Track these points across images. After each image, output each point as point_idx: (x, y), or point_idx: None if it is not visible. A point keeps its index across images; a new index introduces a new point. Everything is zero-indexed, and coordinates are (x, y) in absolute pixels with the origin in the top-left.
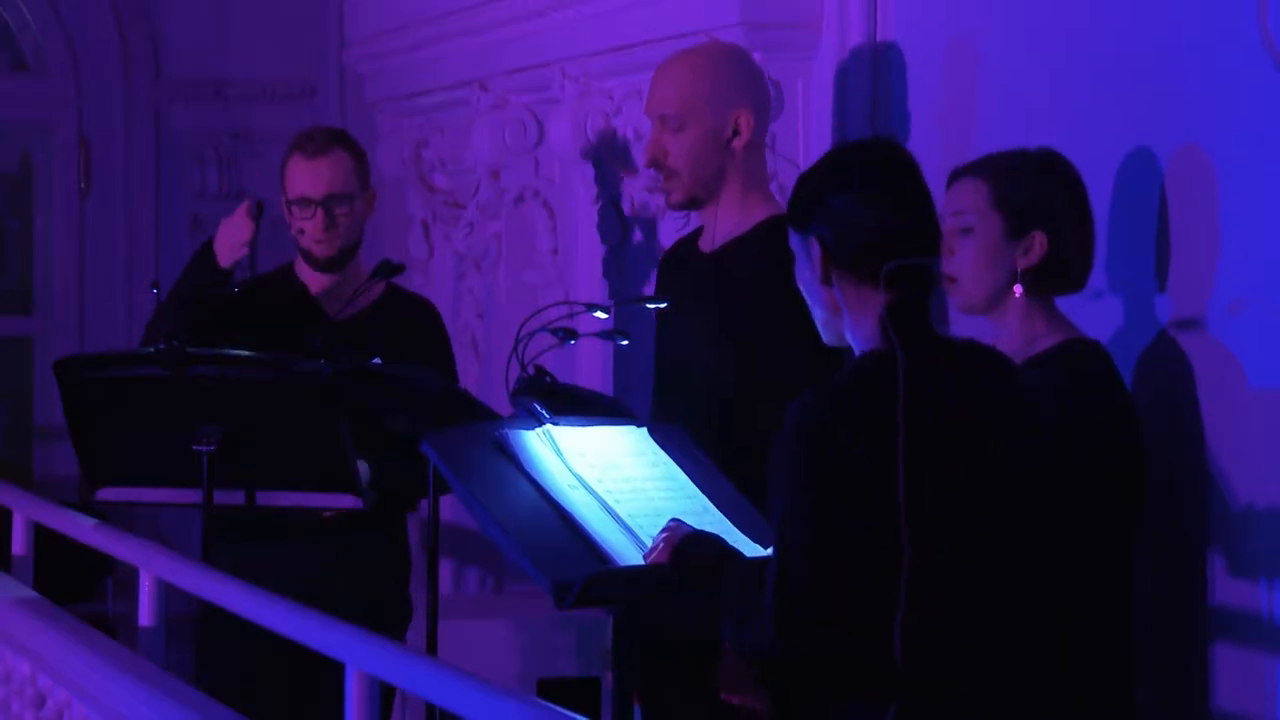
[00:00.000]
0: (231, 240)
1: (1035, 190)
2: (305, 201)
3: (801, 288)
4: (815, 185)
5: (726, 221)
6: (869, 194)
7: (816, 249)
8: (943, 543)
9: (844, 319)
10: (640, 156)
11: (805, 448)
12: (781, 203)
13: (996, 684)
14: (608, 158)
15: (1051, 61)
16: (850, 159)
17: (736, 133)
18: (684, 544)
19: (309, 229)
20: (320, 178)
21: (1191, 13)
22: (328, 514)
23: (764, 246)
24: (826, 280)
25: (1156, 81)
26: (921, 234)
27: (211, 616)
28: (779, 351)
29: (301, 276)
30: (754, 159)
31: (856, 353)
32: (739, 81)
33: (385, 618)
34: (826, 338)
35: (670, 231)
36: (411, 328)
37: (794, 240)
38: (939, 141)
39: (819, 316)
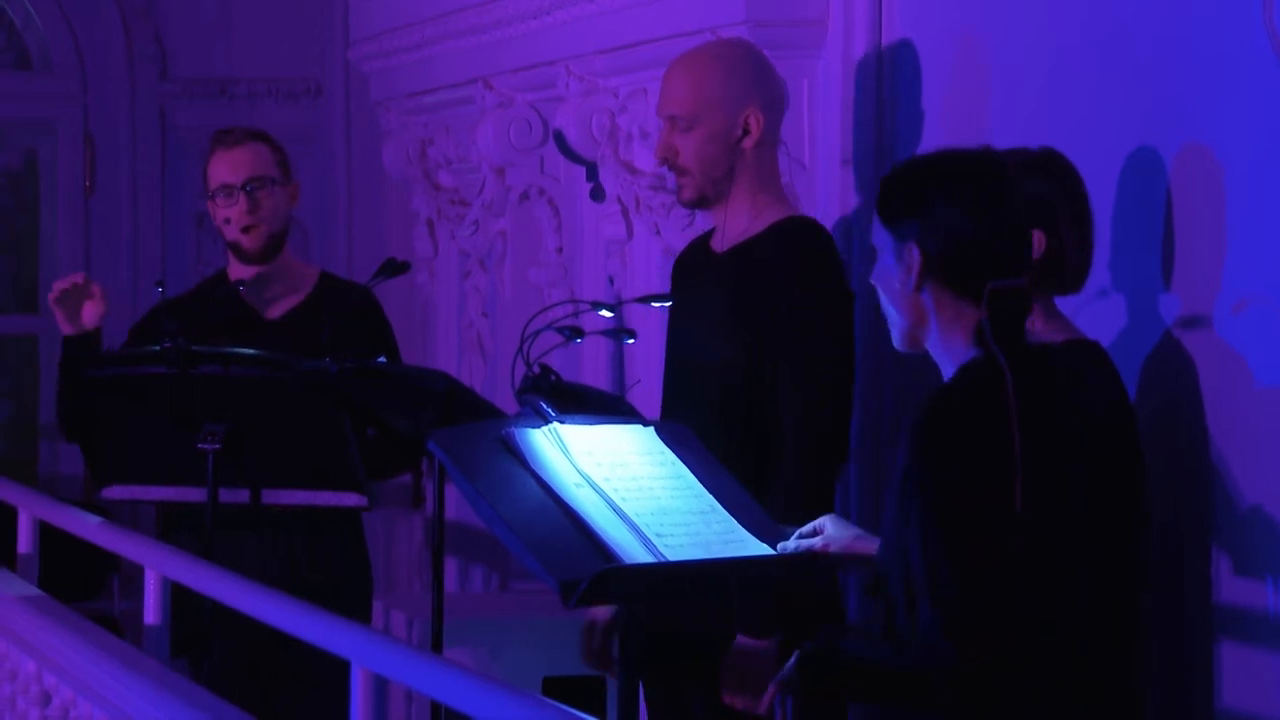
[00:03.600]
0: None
1: (1034, 189)
2: (227, 189)
3: (883, 291)
4: (919, 190)
5: (737, 221)
6: (980, 210)
7: (916, 256)
8: (1061, 548)
9: (929, 329)
10: (641, 155)
11: (932, 457)
12: (793, 202)
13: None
14: (612, 156)
15: (1055, 59)
16: (962, 170)
17: (746, 132)
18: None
19: (234, 216)
20: (240, 164)
21: (1196, 9)
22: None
23: (777, 247)
24: (919, 289)
25: (1161, 79)
26: (1021, 254)
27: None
28: (790, 353)
29: (234, 278)
30: (765, 158)
31: (943, 364)
32: (749, 80)
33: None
34: (900, 344)
35: (675, 230)
36: (350, 317)
37: (882, 241)
38: (944, 139)
39: (898, 323)
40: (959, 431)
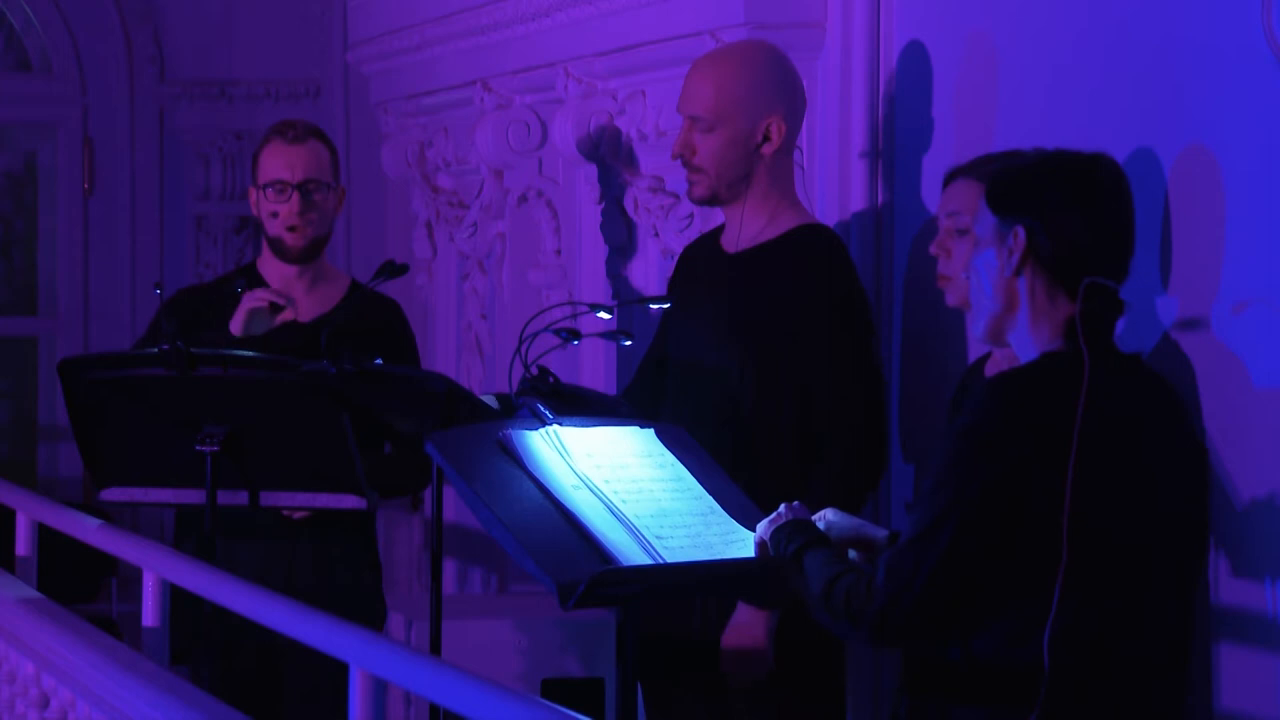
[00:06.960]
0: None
1: None
2: (281, 185)
3: (976, 274)
4: (1035, 178)
5: (752, 224)
6: (1096, 207)
7: (1021, 239)
8: (1107, 549)
9: (1018, 317)
10: (639, 157)
11: (975, 440)
12: (809, 210)
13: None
14: (611, 158)
15: (1055, 60)
16: (1084, 167)
17: (767, 139)
18: (781, 528)
19: (283, 212)
20: (298, 162)
21: (1196, 11)
22: (297, 515)
23: (793, 254)
24: (1017, 274)
25: (1160, 80)
26: (1124, 258)
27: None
28: (796, 357)
29: (265, 275)
30: (782, 164)
31: (1024, 356)
32: (774, 87)
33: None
34: (982, 333)
35: (673, 232)
36: (377, 328)
37: (986, 224)
38: (944, 141)
39: (985, 309)
40: (1024, 412)
